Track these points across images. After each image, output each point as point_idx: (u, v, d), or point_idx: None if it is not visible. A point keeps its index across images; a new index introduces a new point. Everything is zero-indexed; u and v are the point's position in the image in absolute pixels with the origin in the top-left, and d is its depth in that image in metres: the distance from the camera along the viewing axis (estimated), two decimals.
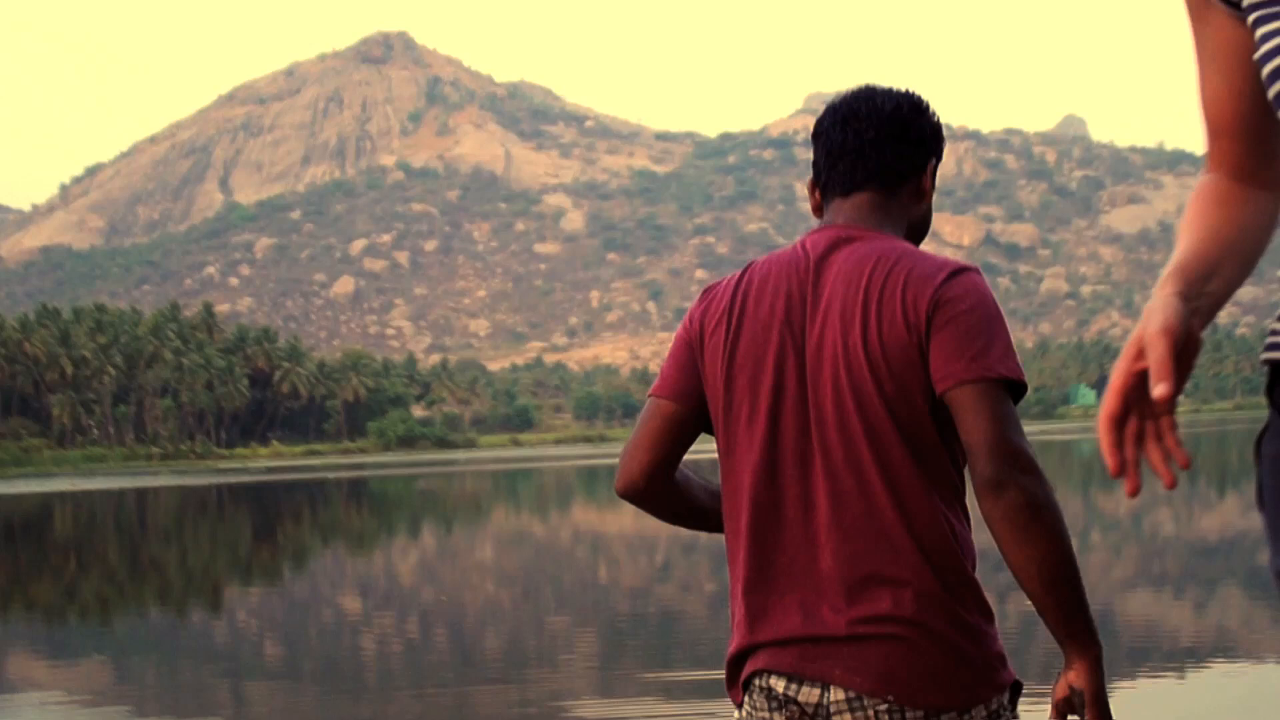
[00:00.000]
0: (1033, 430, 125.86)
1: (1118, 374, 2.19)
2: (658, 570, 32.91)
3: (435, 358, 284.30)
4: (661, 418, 3.32)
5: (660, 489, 3.43)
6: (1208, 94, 2.50)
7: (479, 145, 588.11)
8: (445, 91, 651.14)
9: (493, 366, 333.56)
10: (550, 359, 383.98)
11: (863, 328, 2.99)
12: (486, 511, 58.26)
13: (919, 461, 3.01)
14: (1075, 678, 2.94)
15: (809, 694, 3.00)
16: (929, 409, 3.00)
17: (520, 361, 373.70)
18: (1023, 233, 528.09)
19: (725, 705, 11.22)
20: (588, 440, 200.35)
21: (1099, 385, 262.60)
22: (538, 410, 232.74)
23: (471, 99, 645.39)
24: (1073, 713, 2.98)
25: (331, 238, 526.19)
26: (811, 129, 3.36)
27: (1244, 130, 2.48)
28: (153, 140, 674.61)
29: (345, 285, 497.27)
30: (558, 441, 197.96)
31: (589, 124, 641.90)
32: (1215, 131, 2.52)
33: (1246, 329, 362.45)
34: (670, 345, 3.33)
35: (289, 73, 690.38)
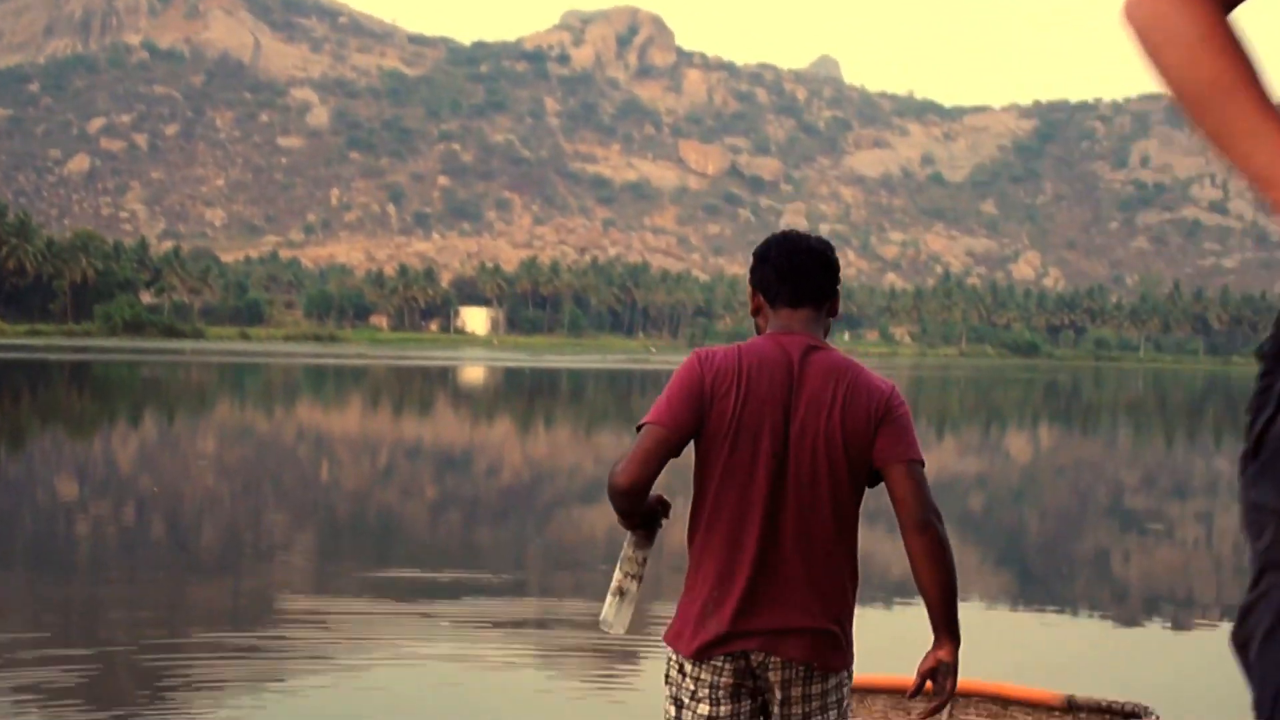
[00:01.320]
0: None
1: None
2: (379, 473, 33.19)
3: (168, 244, 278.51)
4: (665, 443, 4.48)
5: (646, 491, 4.52)
6: None
7: (228, 31, 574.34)
8: None
9: (226, 258, 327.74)
10: (285, 254, 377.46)
11: (840, 415, 4.47)
12: (210, 404, 57.78)
13: (854, 507, 4.59)
14: (945, 655, 4.55)
15: (771, 663, 4.50)
16: (866, 475, 4.55)
17: (254, 255, 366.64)
18: (767, 166, 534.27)
19: (438, 607, 11.70)
20: (318, 339, 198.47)
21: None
22: (269, 305, 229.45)
23: None
24: (935, 678, 4.57)
25: (70, 114, 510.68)
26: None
27: None
28: None
29: (80, 163, 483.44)
30: (287, 338, 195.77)
31: (342, 20, 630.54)
32: None
33: (977, 279, 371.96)
34: (672, 382, 4.59)
35: None
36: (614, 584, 4.84)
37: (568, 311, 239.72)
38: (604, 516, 25.98)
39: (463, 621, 15.19)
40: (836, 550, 4.54)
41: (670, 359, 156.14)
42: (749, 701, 4.51)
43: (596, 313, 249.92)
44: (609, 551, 21.60)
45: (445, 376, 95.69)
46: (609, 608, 4.79)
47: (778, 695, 4.50)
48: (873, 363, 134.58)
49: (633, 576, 4.80)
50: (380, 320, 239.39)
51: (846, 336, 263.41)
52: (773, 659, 4.46)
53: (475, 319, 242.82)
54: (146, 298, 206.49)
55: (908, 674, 9.80)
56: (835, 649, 4.55)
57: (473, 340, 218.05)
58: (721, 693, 4.47)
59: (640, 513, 4.64)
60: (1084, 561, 21.80)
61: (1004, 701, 10.32)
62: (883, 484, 4.56)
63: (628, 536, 4.81)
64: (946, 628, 4.56)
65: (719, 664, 4.47)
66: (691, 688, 4.50)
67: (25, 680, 11.80)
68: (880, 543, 18.74)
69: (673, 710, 4.56)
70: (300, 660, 12.95)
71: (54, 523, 23.35)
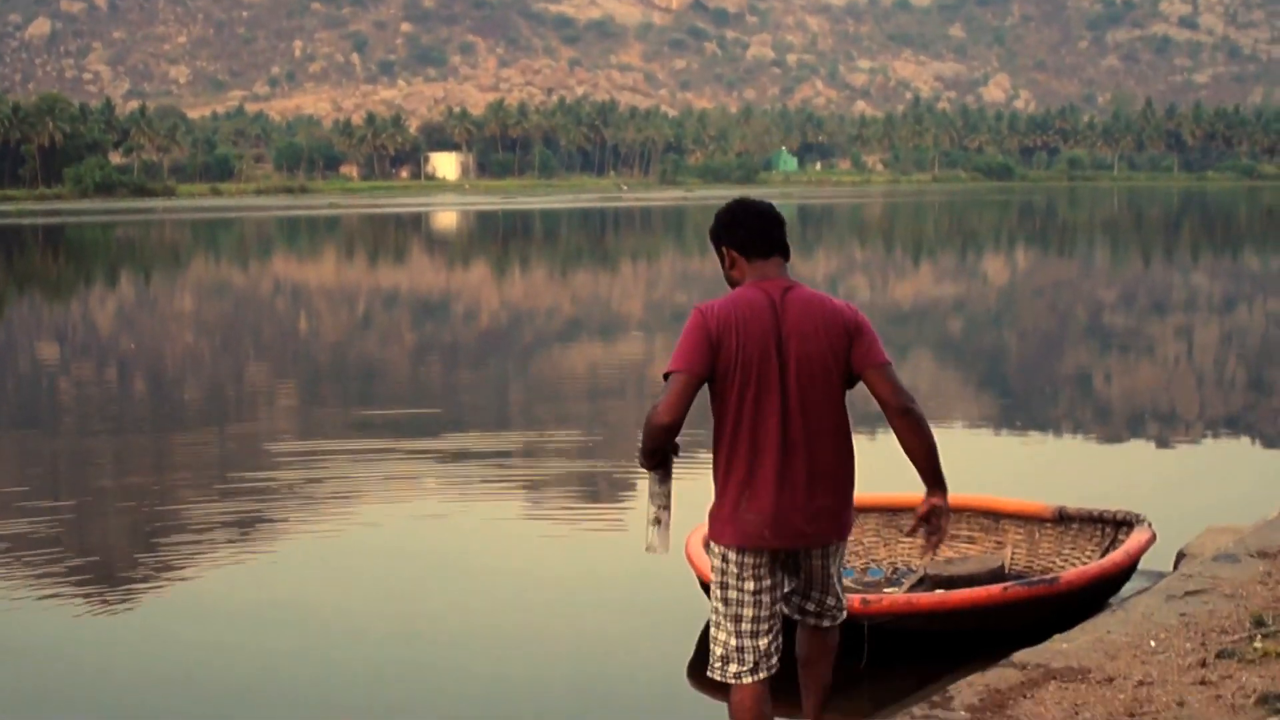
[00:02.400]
0: (733, 194, 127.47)
1: None
2: (359, 320, 33.17)
3: (134, 104, 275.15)
4: (691, 383, 5.42)
5: (681, 426, 5.46)
6: None
7: None
8: None
9: (193, 114, 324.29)
10: (252, 108, 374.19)
11: (823, 335, 5.51)
12: (186, 261, 57.54)
13: (844, 405, 5.58)
14: (937, 500, 5.63)
15: (805, 542, 5.58)
16: (846, 378, 5.58)
17: (221, 110, 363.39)
18: None
19: (423, 443, 11.68)
20: (289, 191, 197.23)
21: (800, 152, 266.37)
22: (238, 160, 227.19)
23: None
24: (930, 520, 5.63)
25: None
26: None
27: None
28: None
29: (41, 27, 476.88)
30: (258, 192, 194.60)
31: None
32: None
33: (947, 104, 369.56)
34: (687, 329, 5.52)
35: None
36: (651, 516, 5.72)
37: (537, 153, 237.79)
38: (582, 355, 26.04)
39: (448, 457, 15.28)
40: (837, 441, 5.60)
41: (643, 195, 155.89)
42: (782, 571, 5.67)
43: (566, 153, 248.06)
44: (590, 386, 21.70)
45: (419, 223, 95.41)
46: (652, 536, 5.73)
47: (809, 562, 5.71)
48: (846, 191, 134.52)
49: (664, 507, 5.71)
50: (350, 170, 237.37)
51: (819, 167, 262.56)
52: (806, 537, 5.56)
53: (445, 164, 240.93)
54: (115, 158, 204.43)
55: (896, 493, 9.90)
56: (848, 521, 5.71)
57: (444, 186, 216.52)
58: (763, 570, 5.55)
59: (665, 449, 5.57)
60: (1067, 380, 21.92)
61: (995, 515, 10.41)
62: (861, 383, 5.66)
63: (651, 475, 5.68)
64: (935, 480, 5.68)
65: (760, 549, 5.51)
66: (736, 571, 5.54)
67: (9, 531, 11.85)
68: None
69: (719, 592, 5.60)
70: (290, 500, 13.01)
71: (36, 383, 23.34)
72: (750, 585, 5.53)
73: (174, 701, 8.14)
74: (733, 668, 5.56)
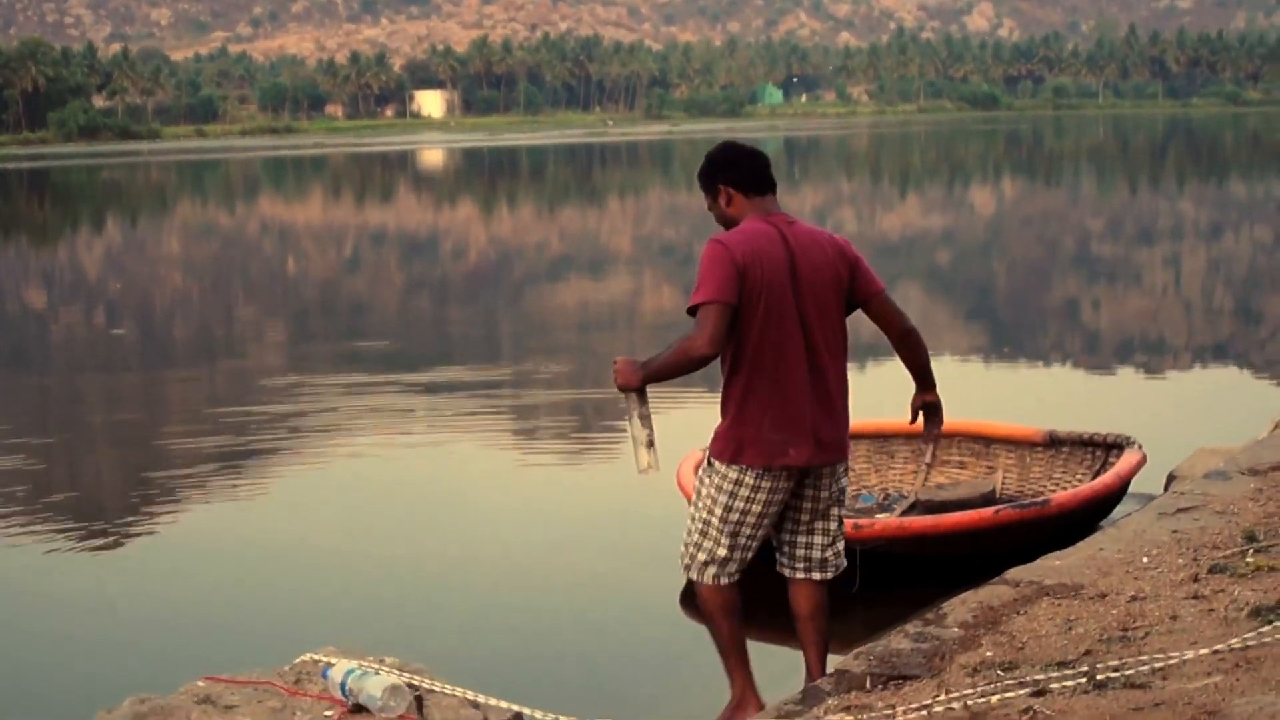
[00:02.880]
0: (719, 128, 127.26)
1: None
2: (347, 260, 33.16)
3: (116, 47, 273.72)
4: (727, 311, 5.60)
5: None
6: None
7: None
8: None
9: (176, 56, 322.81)
10: (235, 49, 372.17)
11: (832, 265, 5.86)
12: (172, 203, 57.39)
13: (845, 335, 5.96)
14: (930, 396, 6.26)
15: (819, 463, 5.84)
16: (848, 304, 5.95)
17: (204, 51, 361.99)
18: None
19: (411, 377, 11.71)
20: (274, 132, 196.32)
21: (785, 85, 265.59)
22: (223, 101, 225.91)
23: None
24: (925, 412, 6.27)
25: None
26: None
27: None
28: None
29: None
30: (243, 133, 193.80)
31: None
32: None
33: (931, 33, 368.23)
34: (712, 262, 5.70)
35: None
36: (644, 439, 5.87)
37: (522, 89, 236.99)
38: (572, 292, 26.05)
39: (438, 389, 15.32)
40: (841, 366, 5.96)
41: (628, 130, 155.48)
42: (787, 491, 5.91)
43: (551, 89, 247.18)
44: (581, 319, 21.73)
45: (405, 161, 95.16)
46: (650, 458, 5.86)
47: (816, 490, 5.98)
48: (832, 123, 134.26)
49: (649, 429, 5.87)
50: (335, 109, 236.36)
51: (804, 99, 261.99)
52: (820, 458, 5.83)
53: (430, 102, 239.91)
54: (99, 101, 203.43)
55: (885, 419, 9.94)
56: (847, 444, 6.06)
57: (430, 124, 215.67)
58: (777, 491, 5.84)
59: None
60: (1056, 309, 21.97)
61: (986, 440, 10.45)
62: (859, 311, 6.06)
63: (633, 399, 5.87)
64: (930, 382, 6.26)
65: (778, 470, 5.76)
66: (748, 493, 5.80)
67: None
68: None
69: (719, 511, 5.87)
70: (279, 434, 13.04)
71: (23, 325, 23.33)
72: (757, 507, 5.83)
73: (164, 637, 8.14)
74: (712, 570, 5.97)
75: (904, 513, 9.52)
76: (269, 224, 44.62)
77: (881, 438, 10.46)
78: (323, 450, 12.56)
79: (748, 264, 5.65)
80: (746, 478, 5.77)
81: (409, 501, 10.99)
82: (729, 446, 5.81)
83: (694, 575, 5.97)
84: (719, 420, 5.90)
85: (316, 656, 5.55)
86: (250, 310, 24.58)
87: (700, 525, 5.95)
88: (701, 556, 5.94)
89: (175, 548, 9.90)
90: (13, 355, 20.12)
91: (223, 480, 11.59)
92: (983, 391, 14.64)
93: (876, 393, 11.24)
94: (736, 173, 6.02)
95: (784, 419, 5.73)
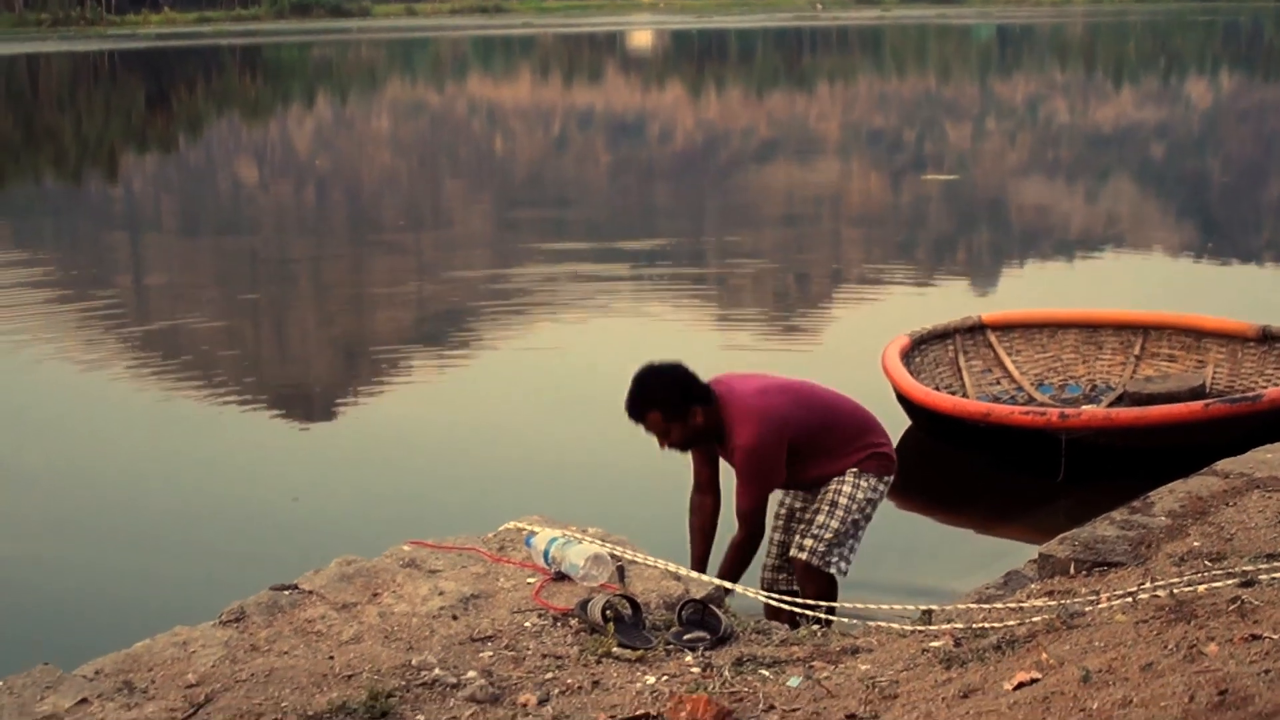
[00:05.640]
0: (930, 14, 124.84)
1: None
2: (553, 142, 33.25)
3: None
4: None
5: None
6: None
7: None
8: None
9: None
10: None
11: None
12: (381, 81, 57.81)
13: None
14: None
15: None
16: None
17: None
18: None
19: (613, 267, 11.71)
20: (483, 11, 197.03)
21: None
22: None
23: None
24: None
25: None
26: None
27: None
28: None
29: None
30: (453, 12, 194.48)
31: None
32: None
33: None
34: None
35: None
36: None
37: None
38: (780, 175, 25.90)
39: (641, 276, 15.34)
40: None
41: (839, 15, 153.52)
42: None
43: None
44: (786, 211, 21.60)
45: (613, 42, 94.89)
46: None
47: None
48: (1046, 12, 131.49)
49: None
50: None
51: None
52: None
53: None
54: None
55: (1095, 309, 9.79)
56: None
57: (638, 4, 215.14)
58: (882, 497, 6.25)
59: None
60: (1271, 207, 21.32)
61: (1197, 333, 10.24)
62: None
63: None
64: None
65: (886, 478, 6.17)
66: (878, 498, 6.15)
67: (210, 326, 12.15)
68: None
69: (859, 518, 6.07)
70: (481, 314, 13.17)
71: (237, 203, 23.76)
72: (875, 513, 6.23)
73: (372, 506, 8.32)
74: (845, 566, 6.13)
75: (1111, 404, 9.40)
76: (477, 104, 44.81)
77: (1090, 327, 10.30)
78: (528, 327, 12.67)
79: (795, 432, 5.91)
80: (882, 487, 6.17)
81: (613, 381, 11.04)
82: (865, 464, 6.11)
83: (833, 571, 6.03)
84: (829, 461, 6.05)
85: (520, 525, 5.60)
86: (457, 188, 24.79)
87: (850, 528, 6.06)
88: (845, 552, 6.10)
89: (383, 420, 10.09)
90: (226, 224, 20.52)
91: (427, 356, 11.77)
92: (1194, 286, 14.33)
93: (1086, 282, 11.07)
94: (699, 387, 5.82)
95: (881, 438, 6.22)
